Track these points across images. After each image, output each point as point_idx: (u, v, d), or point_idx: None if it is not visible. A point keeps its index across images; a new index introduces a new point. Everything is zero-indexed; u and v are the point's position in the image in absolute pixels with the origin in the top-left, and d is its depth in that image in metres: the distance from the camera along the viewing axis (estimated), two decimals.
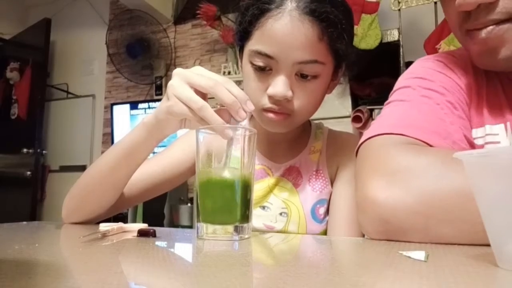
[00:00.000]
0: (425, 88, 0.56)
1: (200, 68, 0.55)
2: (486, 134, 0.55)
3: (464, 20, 0.52)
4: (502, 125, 0.54)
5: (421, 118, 0.52)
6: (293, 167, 0.74)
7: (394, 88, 0.61)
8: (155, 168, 0.74)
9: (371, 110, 2.13)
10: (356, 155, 0.54)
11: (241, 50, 0.68)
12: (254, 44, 0.62)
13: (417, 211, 0.42)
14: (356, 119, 2.09)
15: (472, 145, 0.54)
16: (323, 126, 0.81)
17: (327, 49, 0.61)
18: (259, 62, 0.62)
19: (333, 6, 0.60)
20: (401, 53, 2.12)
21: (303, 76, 0.62)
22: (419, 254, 0.33)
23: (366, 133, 0.53)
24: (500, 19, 0.48)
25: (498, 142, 0.53)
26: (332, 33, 0.60)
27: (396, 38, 2.18)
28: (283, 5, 0.59)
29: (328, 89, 0.69)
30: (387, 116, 0.55)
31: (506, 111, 0.55)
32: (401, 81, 0.61)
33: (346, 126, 2.10)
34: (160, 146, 0.72)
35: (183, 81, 0.53)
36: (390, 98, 0.59)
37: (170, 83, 0.53)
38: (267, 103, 0.63)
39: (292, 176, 0.74)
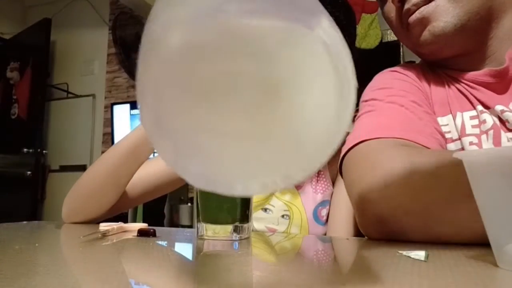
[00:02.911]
0: (388, 95, 0.60)
1: None
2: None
3: (401, 13, 0.60)
4: (450, 116, 0.59)
5: (392, 121, 0.55)
6: None
7: (360, 102, 0.65)
8: (157, 169, 0.74)
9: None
10: (340, 169, 0.56)
11: None
12: None
13: (415, 210, 0.42)
14: None
15: (443, 136, 0.57)
16: None
17: None
18: None
19: (334, 7, 0.60)
20: (401, 53, 2.12)
21: None
22: (419, 254, 0.33)
23: (346, 146, 0.55)
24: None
25: (449, 132, 0.58)
26: None
27: (396, 38, 2.18)
28: None
29: None
30: (361, 127, 0.58)
31: (451, 103, 0.59)
32: (364, 95, 0.65)
33: None
34: None
35: None
36: (359, 112, 0.62)
37: None
38: None
39: None
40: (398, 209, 0.43)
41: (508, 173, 0.27)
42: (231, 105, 0.21)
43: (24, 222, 0.71)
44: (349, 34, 0.63)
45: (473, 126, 0.56)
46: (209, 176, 0.22)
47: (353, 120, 0.66)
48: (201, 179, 0.22)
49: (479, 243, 0.38)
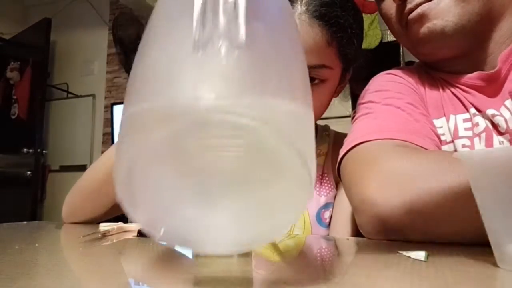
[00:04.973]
0: (384, 98, 0.60)
1: None
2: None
3: (402, 11, 0.59)
4: (443, 118, 0.59)
5: (389, 122, 0.55)
6: None
7: (357, 104, 0.65)
8: None
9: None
10: (339, 171, 0.56)
11: None
12: None
13: (415, 210, 0.42)
14: None
15: (439, 137, 0.58)
16: (330, 128, 0.80)
17: (335, 54, 0.60)
18: None
19: (344, 10, 0.59)
20: (401, 53, 2.12)
21: (310, 80, 0.62)
22: (419, 254, 0.33)
23: (344, 147, 0.55)
24: None
25: (443, 134, 0.58)
26: (342, 38, 0.59)
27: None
28: (292, 9, 0.58)
29: (335, 92, 0.69)
30: (358, 129, 0.58)
31: (445, 106, 0.60)
32: (361, 98, 0.65)
33: (346, 126, 2.09)
34: None
35: None
36: (356, 115, 0.62)
37: None
38: None
39: None
40: (397, 210, 0.43)
41: (508, 173, 0.27)
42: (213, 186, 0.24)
43: (24, 222, 0.71)
44: (357, 38, 0.63)
45: (466, 129, 0.57)
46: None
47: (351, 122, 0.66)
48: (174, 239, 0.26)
49: (479, 243, 0.38)
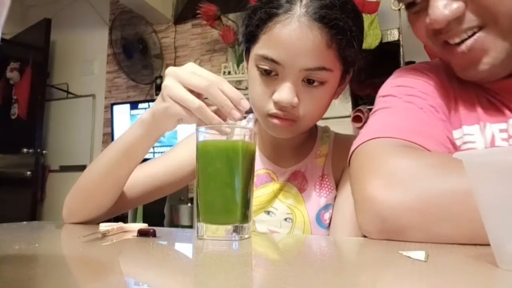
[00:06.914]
0: (407, 94, 0.58)
1: (192, 65, 0.54)
2: (464, 134, 0.57)
3: (436, 34, 0.54)
4: (477, 126, 0.57)
5: (407, 122, 0.54)
6: (299, 172, 0.74)
7: (377, 97, 0.63)
8: (158, 170, 0.73)
9: (371, 110, 2.13)
10: (349, 163, 0.55)
11: (247, 52, 0.67)
12: (260, 48, 0.61)
13: (416, 210, 0.42)
14: (356, 118, 2.09)
15: (454, 146, 0.56)
16: (330, 129, 0.80)
17: (335, 56, 0.60)
18: (265, 66, 0.61)
19: (343, 12, 0.59)
20: (401, 53, 2.12)
21: (309, 82, 0.61)
22: (419, 254, 0.33)
23: (357, 140, 0.54)
24: (472, 27, 0.51)
25: (474, 142, 0.56)
26: (341, 40, 0.59)
27: (396, 38, 2.18)
28: (292, 10, 0.58)
29: (335, 94, 0.68)
30: (375, 123, 0.57)
31: (480, 114, 0.57)
32: (383, 90, 0.63)
33: (346, 126, 2.10)
34: (163, 146, 0.72)
35: (177, 82, 0.53)
36: (375, 107, 0.61)
37: (164, 83, 0.54)
38: (272, 109, 0.62)
39: (297, 181, 0.73)
40: (398, 209, 0.43)
41: (508, 174, 0.27)
42: None
43: (24, 222, 0.71)
44: (357, 40, 0.62)
45: (502, 139, 0.55)
46: None
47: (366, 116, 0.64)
48: None
49: (479, 243, 0.38)
